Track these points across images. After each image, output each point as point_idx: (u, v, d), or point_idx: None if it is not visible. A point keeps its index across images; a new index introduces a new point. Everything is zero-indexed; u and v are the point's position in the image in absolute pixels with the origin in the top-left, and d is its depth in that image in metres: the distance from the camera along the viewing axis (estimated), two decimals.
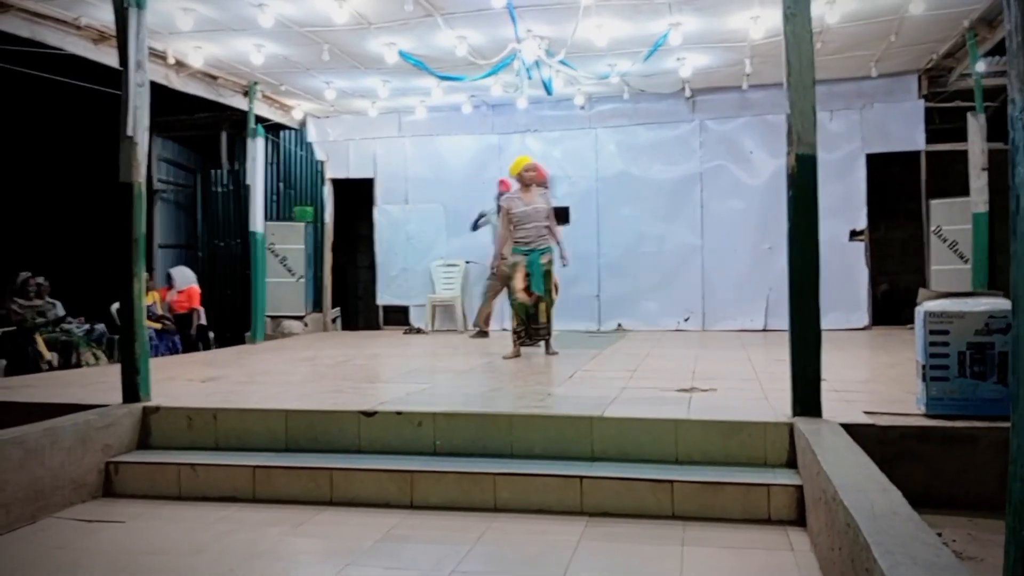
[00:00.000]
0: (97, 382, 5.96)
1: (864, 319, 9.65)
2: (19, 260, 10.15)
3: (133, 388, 4.83)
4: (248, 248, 10.31)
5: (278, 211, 11.62)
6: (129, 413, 4.64)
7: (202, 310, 10.49)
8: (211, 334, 10.70)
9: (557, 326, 9.68)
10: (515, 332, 7.32)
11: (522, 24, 7.16)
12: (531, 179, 7.19)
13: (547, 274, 7.16)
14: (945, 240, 9.44)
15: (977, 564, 3.05)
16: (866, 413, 4.11)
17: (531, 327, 7.25)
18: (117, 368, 5.09)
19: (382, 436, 4.38)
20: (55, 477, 4.01)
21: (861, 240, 9.69)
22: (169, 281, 10.33)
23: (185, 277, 10.48)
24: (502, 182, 8.80)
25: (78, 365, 8.59)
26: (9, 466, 3.76)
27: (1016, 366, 1.90)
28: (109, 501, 4.22)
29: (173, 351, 9.66)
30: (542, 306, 7.17)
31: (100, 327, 9.42)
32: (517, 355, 7.20)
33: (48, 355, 8.42)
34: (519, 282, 7.11)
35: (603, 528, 3.60)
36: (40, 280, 9.25)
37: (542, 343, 7.31)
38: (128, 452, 4.54)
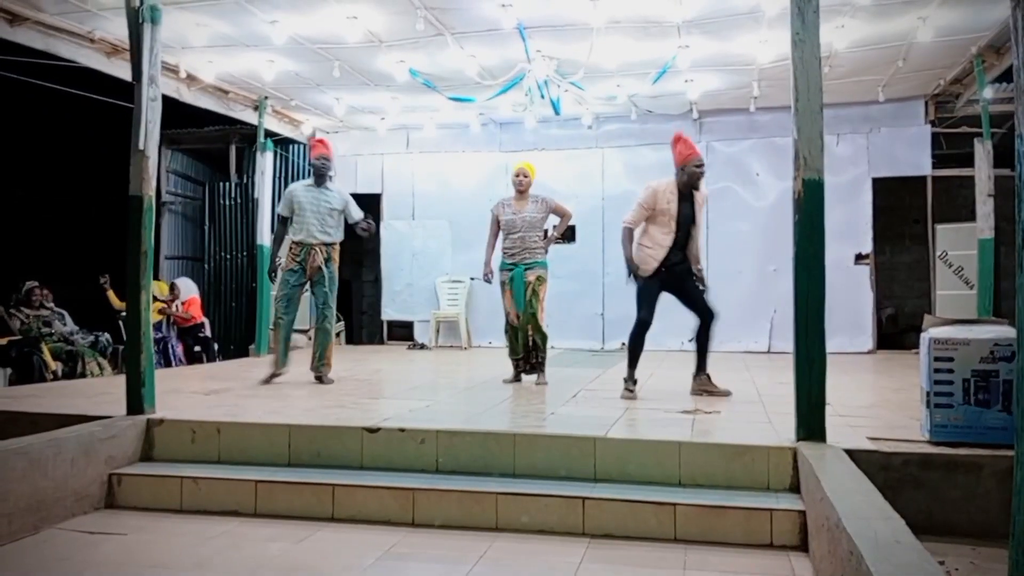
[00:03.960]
0: (102, 393, 5.97)
1: (869, 343, 9.64)
2: (26, 269, 10.20)
3: (137, 400, 4.84)
4: (255, 261, 10.33)
5: None
6: (133, 425, 4.65)
7: (206, 321, 10.52)
8: (215, 346, 10.71)
9: (561, 344, 9.72)
10: (512, 359, 6.68)
11: (532, 44, 7.21)
12: (519, 184, 6.50)
13: (534, 292, 6.32)
14: (951, 265, 9.45)
15: None
16: (870, 439, 4.10)
17: (523, 353, 6.53)
18: (122, 379, 5.11)
19: (385, 453, 4.38)
20: (58, 488, 4.01)
21: (866, 264, 9.69)
22: (172, 292, 10.31)
23: (188, 288, 10.49)
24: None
25: (83, 375, 8.61)
26: (12, 476, 3.76)
27: (1020, 401, 1.91)
28: (111, 513, 4.22)
29: (189, 359, 9.76)
30: (528, 327, 6.37)
31: (105, 337, 9.44)
32: (517, 379, 6.63)
33: (53, 365, 8.44)
34: (508, 303, 6.47)
35: (605, 550, 3.59)
36: (43, 289, 9.28)
37: (534, 372, 6.54)
38: (131, 464, 4.54)
